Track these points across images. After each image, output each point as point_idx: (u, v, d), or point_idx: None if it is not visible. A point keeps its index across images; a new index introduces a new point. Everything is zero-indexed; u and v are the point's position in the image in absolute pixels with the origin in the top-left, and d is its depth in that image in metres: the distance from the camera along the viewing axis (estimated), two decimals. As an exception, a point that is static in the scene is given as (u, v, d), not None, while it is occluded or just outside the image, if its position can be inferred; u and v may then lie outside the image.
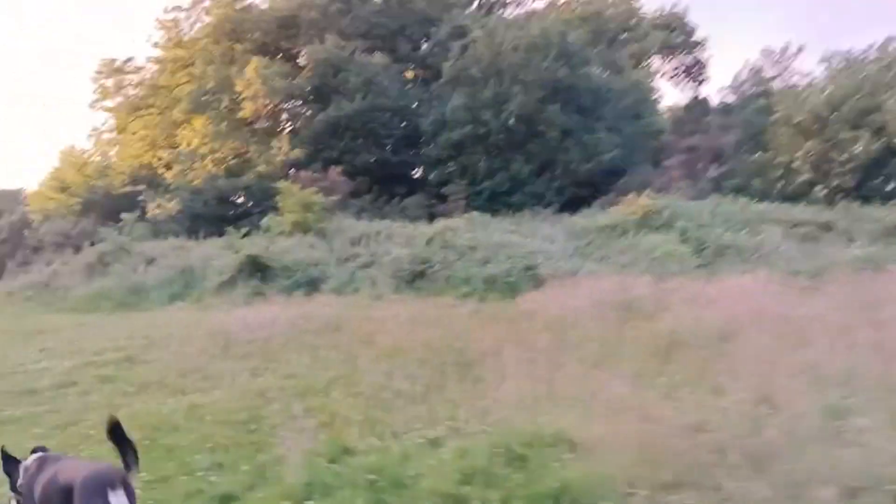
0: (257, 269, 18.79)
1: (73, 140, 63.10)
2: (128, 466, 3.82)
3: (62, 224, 32.31)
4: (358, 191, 31.78)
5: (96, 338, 12.65)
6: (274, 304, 13.25)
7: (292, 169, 31.82)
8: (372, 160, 33.69)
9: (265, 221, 23.49)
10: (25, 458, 4.40)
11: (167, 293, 19.93)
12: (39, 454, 4.47)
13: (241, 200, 32.31)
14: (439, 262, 17.38)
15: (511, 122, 30.83)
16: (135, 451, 3.90)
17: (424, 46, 39.62)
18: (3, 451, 4.58)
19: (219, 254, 22.22)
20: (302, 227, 22.89)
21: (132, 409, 7.49)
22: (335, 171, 29.83)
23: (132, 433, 4.20)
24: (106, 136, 40.57)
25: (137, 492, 3.86)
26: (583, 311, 8.82)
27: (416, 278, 17.13)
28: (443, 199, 31.32)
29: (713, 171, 30.66)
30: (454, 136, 31.39)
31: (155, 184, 35.28)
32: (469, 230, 20.22)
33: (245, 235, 22.04)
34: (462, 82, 32.47)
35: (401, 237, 20.39)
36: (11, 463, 4.47)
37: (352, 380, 7.55)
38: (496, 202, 29.74)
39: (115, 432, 3.94)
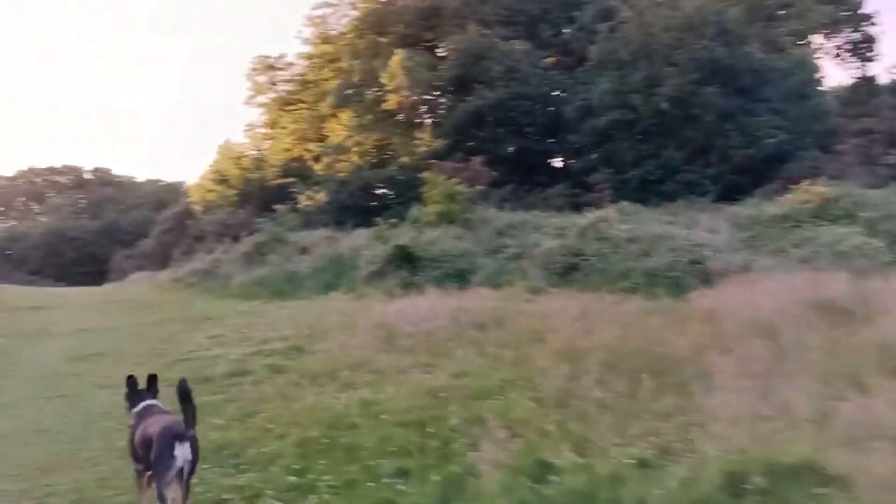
0: (406, 259, 18.74)
1: (229, 135, 66.83)
2: (188, 424, 4.61)
3: (221, 215, 34.17)
4: (499, 181, 31.33)
5: (260, 326, 12.95)
6: (429, 296, 12.99)
7: (436, 160, 31.87)
8: (513, 149, 33.16)
9: (413, 212, 23.48)
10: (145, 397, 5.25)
11: (320, 282, 20.35)
12: (147, 402, 5.22)
13: (384, 191, 32.75)
14: (594, 255, 16.57)
15: (663, 105, 29.23)
16: (195, 413, 4.68)
17: (567, 31, 38.51)
18: (131, 379, 5.29)
19: (367, 244, 22.49)
20: (446, 218, 22.72)
21: (306, 402, 7.39)
22: (476, 162, 29.48)
23: (309, 428, 5.80)
24: (259, 130, 42.65)
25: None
26: (783, 312, 7.82)
27: (569, 271, 16.41)
28: (586, 188, 30.29)
29: (894, 157, 27.68)
30: (600, 123, 30.18)
31: (304, 176, 36.59)
32: (623, 221, 19.22)
33: (393, 226, 22.11)
34: (609, 66, 31.17)
35: (550, 228, 19.71)
36: (134, 396, 5.24)
37: (529, 382, 7.04)
38: (645, 191, 28.26)
39: (183, 394, 4.67)
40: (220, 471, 5.77)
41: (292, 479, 5.28)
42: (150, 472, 4.73)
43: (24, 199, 79.79)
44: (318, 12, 40.09)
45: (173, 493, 4.45)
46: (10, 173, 79.91)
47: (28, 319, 17.26)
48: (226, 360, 9.99)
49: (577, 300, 11.88)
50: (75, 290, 31.27)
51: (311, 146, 36.13)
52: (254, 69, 41.45)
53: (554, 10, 39.18)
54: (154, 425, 4.75)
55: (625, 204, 23.13)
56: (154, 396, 5.35)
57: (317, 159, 35.08)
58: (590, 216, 19.40)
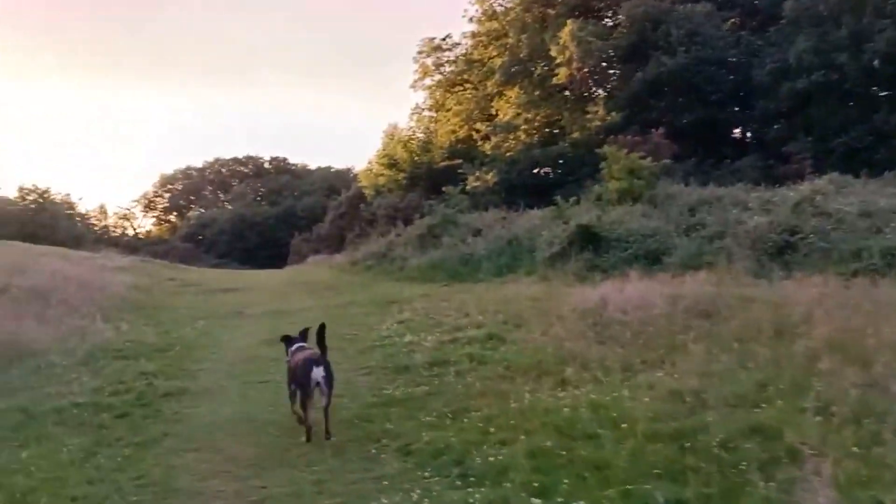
0: (589, 240, 17.51)
1: (395, 119, 68.02)
2: (323, 355, 6.68)
3: (391, 198, 34.55)
4: (680, 154, 29.08)
5: (448, 311, 12.38)
6: (632, 280, 11.73)
7: (610, 135, 30.13)
8: (695, 120, 30.66)
9: (595, 189, 22.12)
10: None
11: (496, 265, 19.63)
12: (298, 344, 7.38)
13: (554, 170, 31.52)
14: (813, 232, 14.48)
15: (874, 63, 25.71)
16: (325, 348, 6.82)
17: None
18: (286, 336, 7.81)
19: (544, 224, 21.50)
20: (629, 195, 21.17)
21: (524, 402, 6.53)
22: (657, 134, 27.48)
23: (537, 434, 5.55)
24: (426, 113, 42.80)
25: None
26: None
27: (783, 251, 14.46)
28: (782, 159, 27.35)
29: None
30: (798, 86, 27.08)
31: (471, 157, 36.16)
32: (840, 194, 16.83)
33: (574, 205, 20.90)
34: (807, 23, 27.89)
35: (753, 203, 17.65)
36: (289, 343, 7.57)
37: (799, 388, 5.72)
38: (852, 161, 25.00)
39: (320, 336, 6.87)
40: (443, 481, 5.06)
41: (537, 501, 4.41)
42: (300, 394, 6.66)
43: (211, 188, 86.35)
44: (484, -12, 39.37)
45: (314, 402, 6.47)
46: (199, 164, 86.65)
47: (223, 301, 17.94)
48: (421, 348, 9.43)
49: (807, 284, 10.18)
50: (260, 272, 32.93)
51: (479, 126, 35.48)
52: (420, 51, 41.59)
53: (738, -33, 35.91)
54: (300, 356, 6.92)
55: (835, 175, 20.38)
56: (303, 340, 7.54)
57: (485, 139, 34.43)
58: (802, 189, 17.16)
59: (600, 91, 33.28)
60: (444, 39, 41.72)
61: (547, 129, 33.72)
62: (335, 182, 76.06)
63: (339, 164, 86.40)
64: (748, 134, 32.00)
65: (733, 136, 31.56)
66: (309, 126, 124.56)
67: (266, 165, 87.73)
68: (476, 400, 6.92)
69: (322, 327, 6.95)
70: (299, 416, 6.67)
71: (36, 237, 43.85)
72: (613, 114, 30.55)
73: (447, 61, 41.69)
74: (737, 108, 31.32)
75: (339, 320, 13.14)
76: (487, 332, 9.85)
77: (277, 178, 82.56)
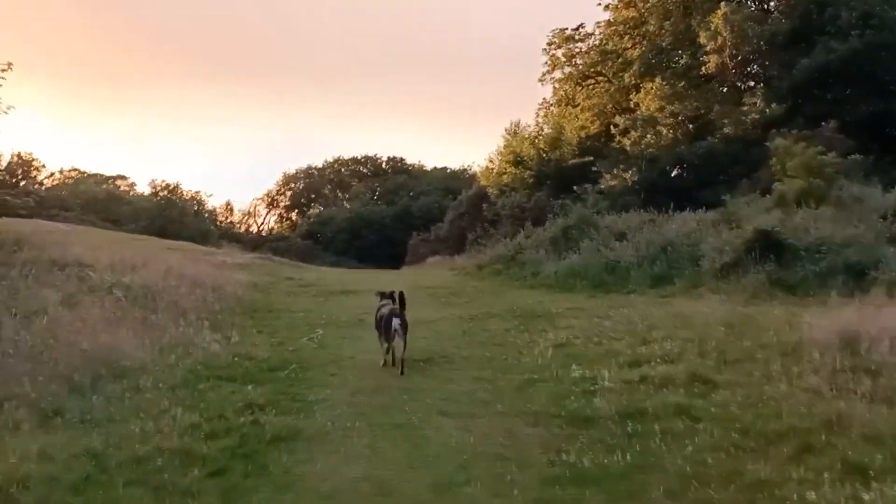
0: (769, 249, 14.59)
1: (516, 116, 65.55)
2: (401, 310, 9.34)
3: (517, 197, 32.31)
4: (852, 150, 25.18)
5: (613, 332, 10.10)
6: (862, 305, 8.93)
7: (770, 129, 26.56)
8: (871, 112, 26.52)
9: (777, 189, 18.91)
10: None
11: (649, 274, 17.01)
12: (384, 302, 9.91)
13: (703, 168, 28.20)
14: None
15: None
16: (404, 307, 9.56)
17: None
18: (381, 292, 10.43)
19: (702, 228, 18.66)
20: (809, 196, 17.96)
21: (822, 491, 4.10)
22: (830, 128, 23.81)
23: None
24: (553, 109, 40.27)
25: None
26: None
27: None
28: None
29: None
30: None
31: (604, 154, 33.41)
32: None
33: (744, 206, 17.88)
34: None
35: None
36: (381, 300, 10.09)
37: None
38: None
39: (401, 301, 9.67)
40: None
41: None
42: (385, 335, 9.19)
43: (331, 187, 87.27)
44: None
45: (393, 343, 9.05)
46: (319, 164, 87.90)
47: (342, 305, 16.31)
48: (601, 389, 7.13)
49: None
50: (378, 273, 31.55)
51: (618, 119, 32.57)
52: (550, 43, 39.07)
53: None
54: (385, 310, 9.49)
55: None
56: (391, 300, 9.87)
57: (623, 134, 31.49)
58: None
59: (756, 82, 29.51)
60: (576, 30, 39.03)
61: (693, 124, 30.38)
62: (451, 182, 74.95)
63: (454, 165, 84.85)
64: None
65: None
66: (425, 126, 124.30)
67: (383, 165, 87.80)
68: (714, 488, 4.55)
69: (402, 296, 9.84)
70: (387, 352, 9.21)
71: (165, 232, 44.92)
72: (774, 105, 26.92)
73: (579, 52, 38.96)
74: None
75: (477, 337, 11.06)
76: (687, 369, 7.40)
77: (394, 177, 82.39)
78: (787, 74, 28.46)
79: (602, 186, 29.09)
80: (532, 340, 10.26)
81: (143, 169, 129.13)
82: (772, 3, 30.35)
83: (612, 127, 33.09)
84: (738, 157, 27.50)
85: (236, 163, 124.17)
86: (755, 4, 30.67)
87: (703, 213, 21.15)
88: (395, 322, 8.94)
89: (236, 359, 9.09)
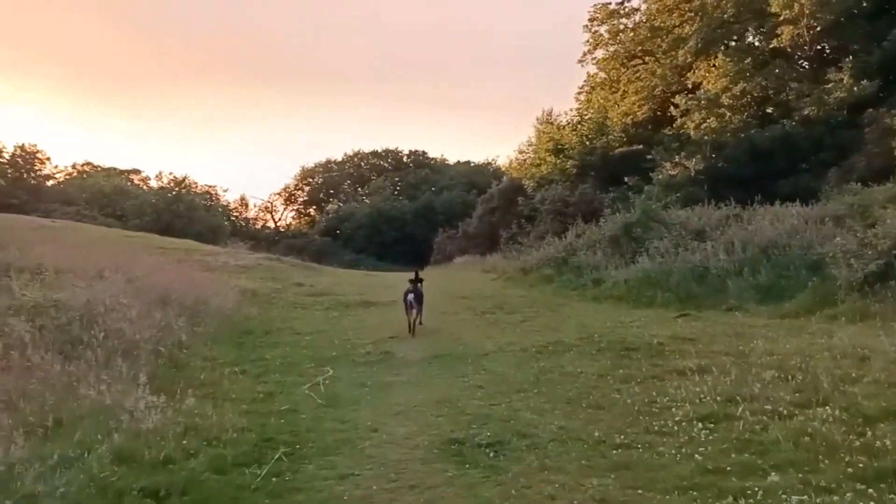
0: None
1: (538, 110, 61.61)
2: (417, 288, 12.23)
3: (559, 190, 28.57)
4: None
5: (788, 389, 6.35)
6: None
7: (862, 110, 22.61)
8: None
9: None
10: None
11: (753, 285, 13.30)
12: (409, 284, 12.36)
13: (781, 155, 24.25)
14: None
15: None
16: (419, 283, 12.69)
17: None
18: (410, 280, 12.76)
19: (811, 226, 14.88)
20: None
21: None
22: (944, 106, 19.82)
23: None
24: (596, 93, 36.41)
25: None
26: None
27: None
28: None
29: None
30: None
31: (654, 142, 29.58)
32: None
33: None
34: None
35: None
36: (410, 283, 12.52)
37: None
38: None
39: (415, 286, 12.33)
40: None
41: None
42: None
43: (350, 181, 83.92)
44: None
45: (411, 314, 11.59)
46: (339, 158, 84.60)
47: (361, 325, 12.79)
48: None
49: None
50: (403, 276, 27.90)
51: (675, 100, 28.66)
52: (592, 19, 35.20)
53: None
54: (408, 289, 12.00)
55: None
56: (414, 285, 12.34)
57: (683, 115, 27.56)
58: None
59: (838, 56, 25.45)
60: (620, 4, 35.17)
61: (765, 105, 26.46)
62: (475, 177, 71.46)
63: (477, 159, 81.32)
64: None
65: None
66: (445, 121, 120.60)
67: (405, 159, 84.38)
68: None
69: (417, 275, 13.11)
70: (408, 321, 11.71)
71: (171, 228, 41.69)
72: (865, 82, 22.91)
73: (624, 29, 35.05)
74: None
75: (560, 391, 7.40)
76: None
77: (416, 172, 79.00)
78: (876, 48, 24.42)
79: (660, 177, 25.26)
80: (652, 401, 6.59)
81: (169, 168, 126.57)
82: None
83: (669, 109, 29.17)
84: (823, 143, 23.58)
85: (262, 162, 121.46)
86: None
87: (800, 206, 17.40)
88: (409, 297, 11.81)
89: (185, 441, 5.51)
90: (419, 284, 12.56)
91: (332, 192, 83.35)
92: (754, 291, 13.11)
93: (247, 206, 74.84)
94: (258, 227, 75.64)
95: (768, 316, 11.68)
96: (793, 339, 8.99)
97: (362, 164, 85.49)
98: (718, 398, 6.34)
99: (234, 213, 72.17)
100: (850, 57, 24.03)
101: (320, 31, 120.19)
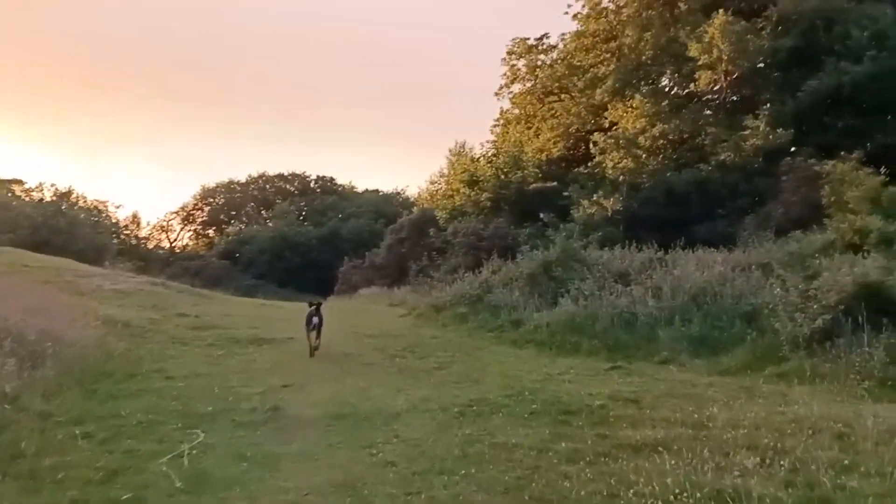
0: (881, 312, 10.06)
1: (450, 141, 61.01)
2: (318, 312, 12.49)
3: (473, 223, 27.42)
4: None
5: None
6: None
7: (776, 158, 22.64)
8: (891, 143, 23.01)
9: (831, 225, 14.55)
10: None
11: (685, 335, 12.32)
12: (311, 310, 12.65)
13: (697, 199, 24.02)
14: None
15: None
16: (319, 307, 12.88)
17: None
18: (311, 303, 13.28)
19: (736, 274, 14.20)
20: (873, 238, 13.67)
21: None
22: (854, 159, 19.88)
23: None
24: (512, 127, 35.81)
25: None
26: None
27: None
28: None
29: None
30: None
31: (571, 179, 29.09)
32: None
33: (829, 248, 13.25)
34: None
35: None
36: (310, 307, 12.82)
37: None
38: None
39: (318, 310, 12.61)
40: None
41: None
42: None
43: (254, 204, 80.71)
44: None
45: (312, 336, 12.18)
46: (243, 179, 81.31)
47: (248, 368, 10.94)
48: None
49: None
50: (303, 307, 25.87)
51: (593, 138, 28.24)
52: (510, 52, 34.77)
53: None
54: (311, 312, 12.42)
55: None
56: (317, 310, 12.59)
57: (601, 153, 27.08)
58: None
59: (753, 103, 25.67)
60: (539, 40, 34.97)
61: (681, 148, 26.35)
62: (383, 206, 70.22)
63: (386, 188, 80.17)
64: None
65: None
66: (356, 147, 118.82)
67: (312, 184, 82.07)
68: None
69: (319, 307, 12.91)
70: (309, 343, 12.26)
71: (49, 244, 37.90)
72: (780, 130, 23.05)
73: (541, 65, 34.76)
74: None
75: (494, 475, 5.85)
76: None
77: (323, 198, 76.88)
78: (791, 97, 24.79)
79: (578, 215, 24.55)
80: (613, 494, 5.19)
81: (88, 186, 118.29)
82: (770, 17, 26.39)
83: (585, 147, 28.75)
84: (740, 189, 23.52)
85: (161, 179, 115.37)
86: (749, 18, 26.80)
87: (725, 252, 16.85)
88: (314, 321, 12.40)
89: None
90: (320, 308, 12.93)
91: (233, 213, 79.80)
92: (687, 342, 12.12)
93: (139, 224, 70.15)
94: (151, 247, 71.02)
95: (707, 371, 10.66)
96: (750, 406, 7.88)
97: (267, 186, 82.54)
98: (697, 493, 5.00)
99: (125, 232, 67.36)
100: (767, 105, 24.18)
101: (229, 49, 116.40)
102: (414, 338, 14.81)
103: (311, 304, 13.02)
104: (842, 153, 20.38)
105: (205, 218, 79.38)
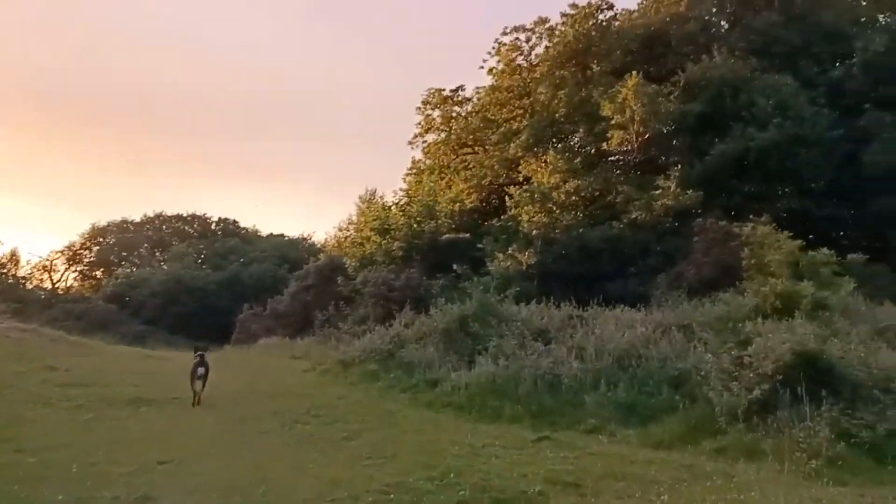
0: (820, 383, 9.61)
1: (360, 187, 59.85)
2: (204, 361, 12.66)
3: (383, 272, 26.22)
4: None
5: None
6: None
7: (686, 220, 22.81)
8: (790, 210, 23.71)
9: (749, 288, 14.24)
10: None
11: (613, 402, 11.57)
12: (197, 357, 12.84)
13: (609, 256, 23.84)
14: None
15: None
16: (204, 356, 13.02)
17: (836, 68, 29.21)
18: (196, 349, 13.64)
19: (657, 335, 13.71)
20: (795, 303, 13.48)
21: None
22: (764, 223, 20.16)
23: None
24: (425, 176, 35.15)
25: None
26: None
27: None
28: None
29: None
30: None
31: (485, 231, 28.55)
32: None
33: (757, 313, 12.77)
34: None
35: None
36: (196, 355, 13.02)
37: None
38: None
39: (203, 358, 12.79)
40: None
41: None
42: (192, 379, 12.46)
43: (148, 245, 76.59)
44: (509, 38, 32.67)
45: (197, 386, 12.31)
46: (137, 218, 77.21)
47: (120, 437, 9.29)
48: None
49: None
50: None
51: (507, 190, 27.88)
52: (425, 102, 34.32)
53: (817, 42, 30.18)
54: (194, 363, 12.58)
55: None
56: (202, 353, 13.00)
57: (516, 206, 26.65)
58: None
59: (664, 164, 26.03)
60: (454, 91, 34.75)
61: (594, 205, 26.29)
62: (288, 251, 68.05)
63: (292, 233, 78.12)
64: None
65: (852, 235, 24.45)
66: (260, 190, 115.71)
67: (213, 226, 78.86)
68: None
69: (204, 356, 12.96)
70: (193, 391, 12.31)
71: None
72: (690, 192, 23.33)
73: (456, 117, 34.51)
74: (842, 202, 24.57)
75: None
76: None
77: (224, 240, 73.66)
78: (699, 160, 25.29)
79: (492, 268, 23.86)
80: None
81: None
82: (678, 82, 27.07)
83: (497, 199, 28.34)
84: (651, 248, 23.53)
85: (48, 216, 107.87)
86: (658, 82, 27.41)
87: (643, 312, 16.45)
88: (200, 371, 12.48)
89: None
90: (205, 356, 13.02)
91: (125, 254, 75.17)
92: (614, 409, 11.37)
93: (18, 262, 64.67)
94: (30, 287, 65.54)
95: (639, 442, 9.88)
96: (697, 489, 7.06)
97: (164, 227, 78.71)
98: None
99: (2, 270, 61.92)
100: (678, 167, 24.50)
101: (130, 81, 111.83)
102: (319, 398, 13.40)
103: (196, 351, 13.18)
104: (750, 216, 20.77)
105: (93, 258, 74.44)
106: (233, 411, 11.74)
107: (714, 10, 31.58)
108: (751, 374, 9.99)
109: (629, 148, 26.19)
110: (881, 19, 30.60)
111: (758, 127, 24.38)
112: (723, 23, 31.39)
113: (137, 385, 13.53)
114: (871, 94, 26.54)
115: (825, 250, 15.12)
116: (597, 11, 30.29)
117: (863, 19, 31.37)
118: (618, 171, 26.94)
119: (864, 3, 33.83)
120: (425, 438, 9.76)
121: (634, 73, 25.74)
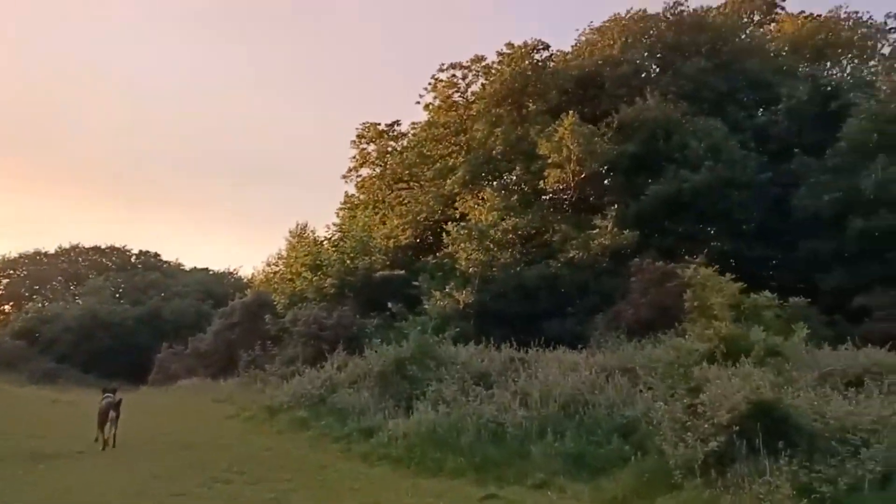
0: (777, 434, 9.24)
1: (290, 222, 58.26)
2: (117, 403, 12.64)
3: (314, 310, 25.17)
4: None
5: None
6: None
7: (623, 259, 22.77)
8: (723, 251, 24.00)
9: (690, 331, 13.91)
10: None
11: (561, 453, 10.93)
12: (108, 396, 12.97)
13: (548, 296, 23.56)
14: None
15: None
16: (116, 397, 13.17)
17: (761, 113, 30.23)
18: (104, 389, 13.66)
19: (600, 380, 13.27)
20: (741, 348, 13.25)
21: None
22: (700, 262, 20.24)
23: None
24: (359, 211, 34.38)
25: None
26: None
27: None
28: (857, 314, 20.82)
29: None
30: (879, 224, 21.05)
31: (420, 268, 27.93)
32: None
33: (700, 357, 12.37)
34: (876, 149, 22.35)
35: None
36: (104, 394, 13.20)
37: None
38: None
39: (117, 403, 12.72)
40: None
41: None
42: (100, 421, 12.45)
43: (62, 278, 72.54)
44: (445, 75, 32.56)
45: (107, 429, 12.26)
46: (51, 250, 73.24)
47: (16, 500, 8.02)
48: None
49: None
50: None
51: (445, 227, 27.37)
52: (360, 136, 33.72)
53: (743, 89, 31.24)
54: (104, 402, 12.49)
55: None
56: (112, 393, 13.05)
57: (453, 243, 26.12)
58: None
59: (600, 204, 26.10)
60: (390, 126, 34.31)
61: (531, 244, 26.03)
62: (213, 286, 65.61)
63: (216, 267, 75.56)
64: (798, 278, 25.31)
65: (783, 277, 24.81)
66: (185, 223, 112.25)
67: (133, 259, 75.43)
68: None
69: (113, 397, 12.91)
70: (99, 434, 12.38)
71: None
72: (627, 232, 23.34)
73: (392, 151, 34.01)
74: (774, 245, 25.04)
75: None
76: None
77: (145, 274, 70.38)
78: (634, 201, 25.46)
79: (428, 307, 23.18)
80: None
81: None
82: (612, 123, 27.35)
83: (433, 236, 27.82)
84: (589, 287, 23.37)
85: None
86: (593, 123, 27.64)
87: (584, 354, 16.02)
88: (114, 414, 12.41)
89: None
90: (115, 397, 13.04)
91: (37, 287, 70.98)
92: (563, 460, 10.72)
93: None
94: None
95: (590, 498, 9.27)
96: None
97: (80, 259, 74.71)
98: None
99: None
100: (614, 206, 24.54)
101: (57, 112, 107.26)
102: (243, 450, 12.32)
103: (105, 392, 13.16)
104: (686, 257, 20.86)
105: (1, 291, 70.01)
106: (145, 466, 10.57)
107: (646, 54, 32.25)
108: (705, 425, 9.53)
109: (565, 187, 26.19)
110: (801, 69, 31.89)
111: (690, 169, 24.79)
112: (654, 67, 32.02)
113: (39, 436, 12.20)
114: (796, 140, 27.45)
115: (767, 293, 15.10)
116: (532, 51, 30.52)
117: (784, 68, 32.66)
118: (554, 210, 26.89)
119: (784, 54, 35.36)
120: (361, 500, 8.88)
121: (570, 112, 25.87)
